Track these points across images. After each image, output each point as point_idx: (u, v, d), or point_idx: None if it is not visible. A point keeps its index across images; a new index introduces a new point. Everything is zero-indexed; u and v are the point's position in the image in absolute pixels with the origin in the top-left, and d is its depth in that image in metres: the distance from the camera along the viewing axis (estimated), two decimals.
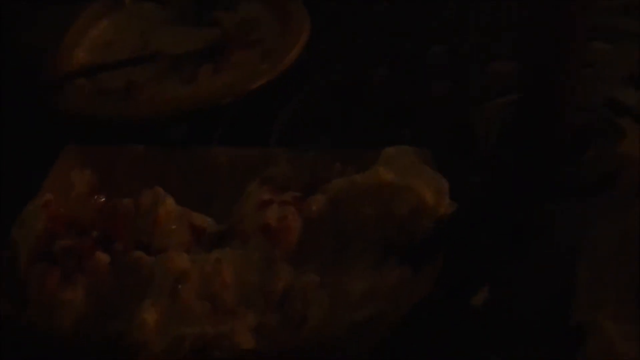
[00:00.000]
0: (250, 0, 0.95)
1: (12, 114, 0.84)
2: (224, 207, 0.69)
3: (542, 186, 0.73)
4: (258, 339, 0.60)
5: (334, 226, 0.65)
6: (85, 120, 0.83)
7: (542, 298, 0.66)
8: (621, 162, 0.74)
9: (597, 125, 0.79)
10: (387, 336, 0.61)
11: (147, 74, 0.89)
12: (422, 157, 0.68)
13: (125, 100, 0.86)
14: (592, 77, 0.83)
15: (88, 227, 0.66)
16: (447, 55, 0.89)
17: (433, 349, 0.63)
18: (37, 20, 0.96)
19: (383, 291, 0.62)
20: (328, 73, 0.88)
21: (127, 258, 0.64)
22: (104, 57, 0.92)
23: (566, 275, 0.66)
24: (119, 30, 0.95)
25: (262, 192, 0.67)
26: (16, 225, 0.66)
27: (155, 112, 0.84)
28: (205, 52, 0.90)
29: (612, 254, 0.65)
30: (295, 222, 0.65)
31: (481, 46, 0.90)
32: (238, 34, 0.92)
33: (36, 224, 0.65)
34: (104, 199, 0.70)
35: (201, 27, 0.93)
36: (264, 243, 0.64)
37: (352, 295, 0.62)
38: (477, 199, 0.70)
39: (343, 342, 0.60)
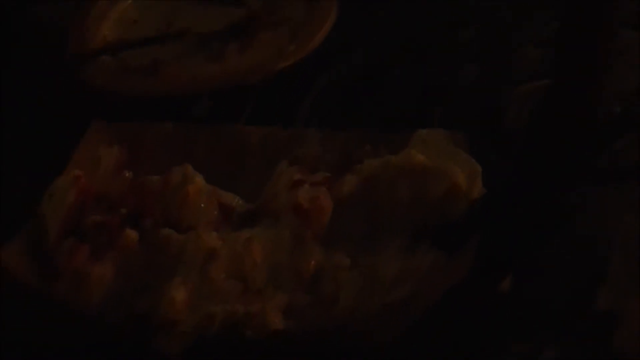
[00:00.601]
0: None
1: (38, 88, 0.84)
2: (253, 186, 0.68)
3: (573, 172, 0.73)
4: (288, 319, 0.60)
5: (366, 208, 0.65)
6: (110, 97, 0.82)
7: (570, 284, 0.65)
8: None
9: (629, 114, 0.78)
10: (418, 320, 0.61)
11: (172, 52, 0.88)
12: (455, 140, 0.67)
13: (151, 77, 0.85)
14: (623, 65, 0.82)
15: (117, 203, 0.65)
16: (477, 40, 0.88)
17: (462, 334, 0.62)
18: None
19: (416, 274, 0.61)
20: (356, 54, 0.87)
21: (156, 235, 0.63)
22: (129, 34, 0.91)
23: (595, 262, 0.66)
24: (144, 8, 0.94)
25: (293, 172, 0.67)
26: (45, 198, 0.65)
27: (180, 90, 0.83)
28: (232, 31, 0.89)
29: None
30: (327, 203, 0.64)
31: (511, 32, 0.89)
32: (264, 13, 0.91)
33: (66, 198, 0.65)
34: (132, 176, 0.69)
35: (227, 6, 0.92)
36: (295, 223, 0.63)
37: (384, 278, 0.61)
38: (508, 183, 0.70)
39: (374, 325, 0.59)
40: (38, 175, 0.70)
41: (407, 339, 0.61)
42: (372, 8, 0.92)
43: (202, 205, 0.66)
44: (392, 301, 0.60)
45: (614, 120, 0.77)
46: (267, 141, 0.71)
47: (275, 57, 0.84)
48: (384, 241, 0.63)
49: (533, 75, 0.83)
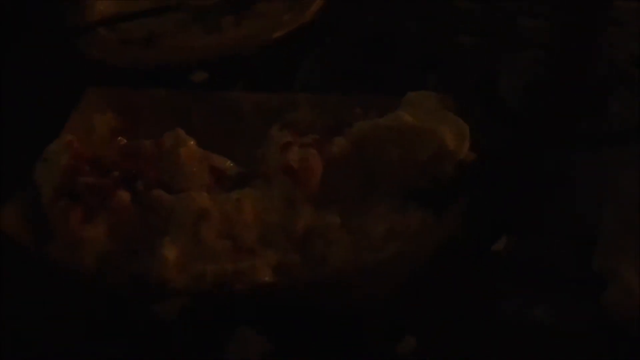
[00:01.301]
0: None
1: (35, 57, 0.85)
2: (246, 151, 0.69)
3: (566, 135, 0.73)
4: (278, 276, 0.60)
5: (356, 169, 0.65)
6: (107, 67, 0.83)
7: (563, 245, 0.66)
8: None
9: (622, 79, 0.79)
10: (408, 278, 0.61)
11: (169, 24, 0.89)
12: (444, 103, 0.68)
13: (146, 48, 0.86)
14: (617, 33, 0.82)
15: (110, 166, 0.66)
16: (473, 10, 0.89)
17: (454, 292, 0.63)
18: None
19: (405, 233, 0.62)
20: (352, 23, 0.87)
21: (148, 196, 0.64)
22: (125, 7, 0.92)
23: (588, 223, 0.66)
24: None
25: (283, 135, 0.67)
26: (39, 162, 0.66)
27: (177, 60, 0.84)
28: (227, 3, 0.89)
29: (635, 203, 0.65)
30: (317, 164, 0.64)
31: (507, 2, 0.89)
32: None
33: (60, 161, 0.65)
34: (125, 141, 0.70)
35: None
36: (285, 183, 0.64)
37: (374, 237, 0.62)
38: (501, 146, 0.70)
39: (363, 281, 0.60)
40: (33, 142, 0.70)
41: (396, 296, 0.61)
42: None
43: (194, 168, 0.67)
44: (382, 259, 0.61)
45: (606, 86, 0.77)
46: (259, 107, 0.72)
47: (270, 28, 0.84)
48: (374, 201, 0.64)
49: (527, 45, 0.83)
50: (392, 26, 0.87)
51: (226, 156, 0.69)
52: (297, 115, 0.70)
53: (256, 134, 0.70)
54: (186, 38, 0.87)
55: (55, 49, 0.85)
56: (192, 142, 0.68)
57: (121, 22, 0.88)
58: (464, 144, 0.65)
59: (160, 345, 0.62)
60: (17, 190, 0.66)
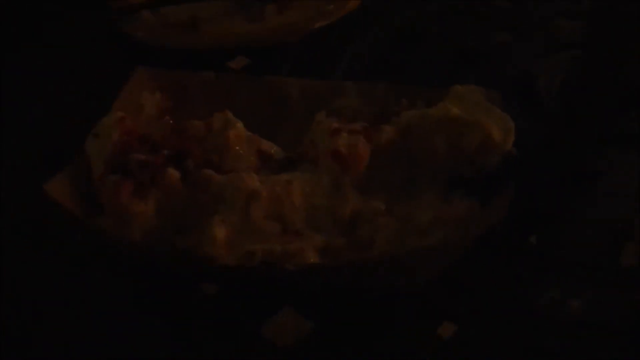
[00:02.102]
0: None
1: (82, 37, 0.86)
2: (292, 136, 0.70)
3: (601, 133, 0.75)
4: (324, 258, 0.62)
5: (402, 157, 0.66)
6: (150, 49, 0.84)
7: (598, 240, 0.67)
8: None
9: None
10: (450, 265, 0.63)
11: (212, 10, 0.89)
12: (489, 97, 0.69)
13: (190, 32, 0.87)
14: None
15: (160, 144, 0.67)
16: (512, 10, 0.90)
17: (492, 282, 0.64)
18: None
19: (450, 221, 0.63)
20: (393, 16, 0.88)
21: (198, 175, 0.65)
22: None
23: (621, 219, 0.68)
24: None
25: (331, 121, 0.68)
26: (90, 136, 0.67)
27: (219, 45, 0.85)
28: None
29: None
30: (365, 150, 0.65)
31: (545, 4, 0.91)
32: None
33: (111, 136, 0.66)
34: (174, 121, 0.71)
35: None
36: (333, 168, 0.65)
37: (419, 224, 0.63)
38: (539, 142, 0.72)
39: (408, 266, 0.61)
40: (84, 117, 0.71)
41: (439, 282, 0.63)
42: None
43: (242, 150, 0.68)
44: (426, 245, 0.62)
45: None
46: (307, 92, 0.73)
47: (313, 17, 0.85)
48: (420, 189, 0.65)
49: (564, 46, 0.85)
50: (432, 20, 0.88)
51: (272, 139, 0.70)
52: (344, 102, 0.71)
53: (302, 118, 0.71)
54: (229, 25, 0.88)
55: (100, 30, 0.87)
56: (240, 125, 0.69)
57: (164, 5, 0.90)
58: (509, 137, 0.66)
59: (201, 318, 0.63)
60: (67, 163, 0.67)
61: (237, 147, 0.68)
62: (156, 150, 0.66)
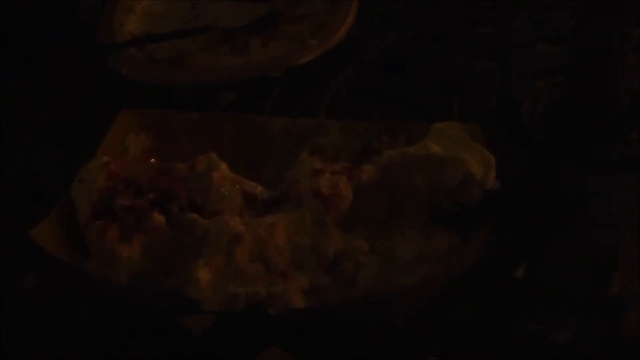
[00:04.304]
0: None
1: (69, 76, 0.87)
2: (275, 174, 0.71)
3: (584, 161, 0.75)
4: (309, 299, 0.62)
5: (384, 195, 0.67)
6: (136, 85, 0.85)
7: (582, 270, 0.67)
8: None
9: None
10: (433, 300, 0.63)
11: (197, 45, 0.91)
12: (470, 132, 0.69)
13: (175, 68, 0.88)
14: (635, 60, 0.84)
15: (144, 188, 0.68)
16: (494, 36, 0.91)
17: (476, 315, 0.65)
18: None
19: (432, 256, 0.64)
20: (376, 49, 0.89)
21: (183, 219, 0.66)
22: (155, 28, 0.94)
23: (606, 248, 0.68)
24: (170, 2, 0.97)
25: (314, 160, 0.69)
26: (77, 182, 0.68)
27: (204, 81, 0.86)
28: (255, 26, 0.91)
29: None
30: (347, 190, 0.66)
31: (527, 30, 0.91)
32: (287, 9, 0.93)
33: (96, 181, 0.67)
34: (158, 162, 0.72)
35: (251, 1, 0.95)
36: (316, 207, 0.66)
37: (402, 261, 0.64)
38: (522, 172, 0.72)
39: (391, 304, 0.62)
40: (68, 161, 0.72)
41: (422, 317, 0.63)
42: (392, 5, 0.95)
43: (226, 192, 0.69)
44: (410, 281, 0.62)
45: (627, 114, 0.79)
46: (290, 130, 0.74)
47: (297, 51, 0.86)
48: (402, 226, 0.66)
49: (548, 72, 0.85)
50: (415, 50, 0.89)
51: (256, 179, 0.71)
52: (326, 139, 0.72)
53: (285, 156, 0.72)
54: (214, 59, 0.89)
55: (88, 68, 0.88)
56: (224, 166, 0.69)
57: (150, 43, 0.90)
58: (490, 173, 0.66)
59: (187, 358, 0.64)
60: (53, 207, 0.68)
61: (222, 189, 0.69)
62: (141, 194, 0.67)
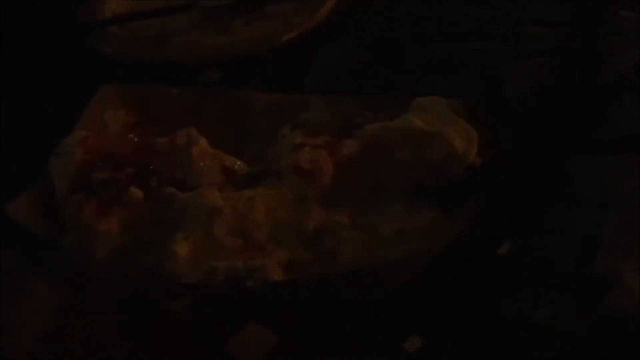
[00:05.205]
0: None
1: (49, 53, 0.86)
2: (257, 150, 0.70)
3: (570, 141, 0.75)
4: (289, 273, 0.62)
5: (366, 170, 0.66)
6: (119, 64, 0.84)
7: (567, 248, 0.67)
8: None
9: (625, 87, 0.80)
10: (415, 277, 0.62)
11: (180, 24, 0.89)
12: (453, 108, 0.69)
13: (158, 46, 0.87)
14: (620, 42, 0.84)
15: (123, 162, 0.67)
16: (482, 17, 0.90)
17: (459, 292, 0.64)
18: None
19: (415, 232, 0.63)
20: (361, 27, 0.88)
21: (161, 193, 0.65)
22: (137, 6, 0.93)
23: (590, 226, 0.67)
24: None
25: (294, 136, 0.68)
26: (54, 156, 0.67)
27: (187, 59, 0.85)
28: (238, 4, 0.90)
29: (638, 209, 0.66)
30: (327, 165, 0.66)
31: (515, 11, 0.91)
32: None
33: (74, 155, 0.67)
34: (137, 138, 0.71)
35: None
36: (296, 183, 0.65)
37: (384, 235, 0.63)
38: (507, 150, 0.72)
39: (373, 279, 0.61)
40: (46, 137, 0.71)
41: (404, 295, 0.62)
42: None
43: (206, 167, 0.68)
44: (391, 257, 0.62)
45: (610, 93, 0.79)
46: (272, 106, 0.73)
47: (281, 29, 0.85)
48: (385, 201, 0.65)
49: (534, 52, 0.85)
50: (402, 30, 0.88)
51: (237, 155, 0.70)
52: (308, 115, 0.71)
53: (267, 132, 0.71)
54: (197, 37, 0.88)
55: (68, 46, 0.86)
56: (204, 141, 0.69)
57: (133, 20, 0.89)
58: (472, 148, 0.66)
59: (167, 335, 0.63)
60: (31, 183, 0.67)
61: (201, 164, 0.68)
62: (119, 168, 0.66)
